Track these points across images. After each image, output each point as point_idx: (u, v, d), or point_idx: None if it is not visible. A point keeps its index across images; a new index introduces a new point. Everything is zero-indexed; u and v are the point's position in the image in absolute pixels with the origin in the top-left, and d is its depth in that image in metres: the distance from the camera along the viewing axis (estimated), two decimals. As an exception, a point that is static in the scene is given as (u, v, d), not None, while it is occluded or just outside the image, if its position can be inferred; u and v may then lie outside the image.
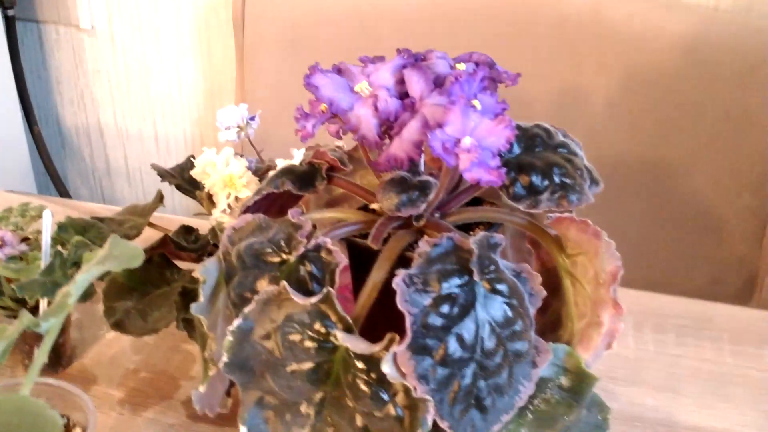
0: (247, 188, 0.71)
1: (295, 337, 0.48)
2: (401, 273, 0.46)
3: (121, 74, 1.52)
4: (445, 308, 0.46)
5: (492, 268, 0.48)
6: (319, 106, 0.54)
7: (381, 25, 1.20)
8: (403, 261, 0.50)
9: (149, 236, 0.74)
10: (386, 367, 0.44)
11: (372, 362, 0.46)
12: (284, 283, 0.48)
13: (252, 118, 0.76)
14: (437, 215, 0.56)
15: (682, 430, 0.67)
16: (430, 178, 0.53)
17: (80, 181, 1.68)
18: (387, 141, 0.53)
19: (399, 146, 0.51)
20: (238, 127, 0.75)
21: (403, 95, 0.53)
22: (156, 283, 0.69)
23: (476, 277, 0.47)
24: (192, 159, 0.76)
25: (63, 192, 1.63)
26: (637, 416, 0.68)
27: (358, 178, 0.63)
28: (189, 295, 0.63)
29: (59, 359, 0.69)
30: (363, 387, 0.46)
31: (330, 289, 0.48)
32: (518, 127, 0.57)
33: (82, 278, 0.47)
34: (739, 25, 1.10)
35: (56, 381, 0.56)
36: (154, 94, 1.52)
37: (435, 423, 0.44)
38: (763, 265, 1.14)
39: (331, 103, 0.53)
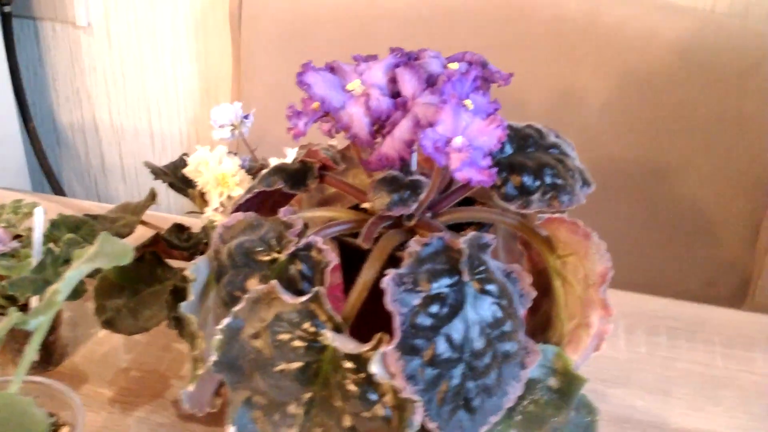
0: (240, 187, 0.71)
1: (284, 337, 0.47)
2: (391, 272, 0.46)
3: (117, 72, 1.52)
4: (434, 308, 0.46)
5: (482, 268, 0.48)
6: (312, 104, 0.54)
7: (378, 25, 1.20)
8: (394, 261, 0.50)
9: (142, 234, 0.74)
10: (375, 367, 0.44)
11: (361, 362, 0.45)
12: (274, 282, 0.48)
13: (246, 117, 0.76)
14: (428, 215, 0.56)
15: (673, 432, 0.67)
16: (422, 178, 0.53)
17: (75, 178, 1.68)
18: (379, 140, 0.52)
19: (390, 145, 0.51)
20: (232, 125, 0.75)
21: (396, 94, 0.53)
22: (147, 282, 0.69)
23: (466, 277, 0.47)
24: (185, 157, 0.76)
25: (57, 189, 1.62)
26: (627, 418, 0.68)
27: (350, 176, 0.62)
28: (180, 293, 0.63)
29: (50, 357, 0.69)
30: (351, 387, 0.46)
31: (320, 288, 0.48)
32: (510, 128, 0.57)
33: (72, 275, 0.47)
34: (734, 29, 1.10)
35: (45, 379, 0.56)
36: (150, 92, 1.52)
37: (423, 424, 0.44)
38: (756, 269, 1.14)
39: (323, 101, 0.53)
